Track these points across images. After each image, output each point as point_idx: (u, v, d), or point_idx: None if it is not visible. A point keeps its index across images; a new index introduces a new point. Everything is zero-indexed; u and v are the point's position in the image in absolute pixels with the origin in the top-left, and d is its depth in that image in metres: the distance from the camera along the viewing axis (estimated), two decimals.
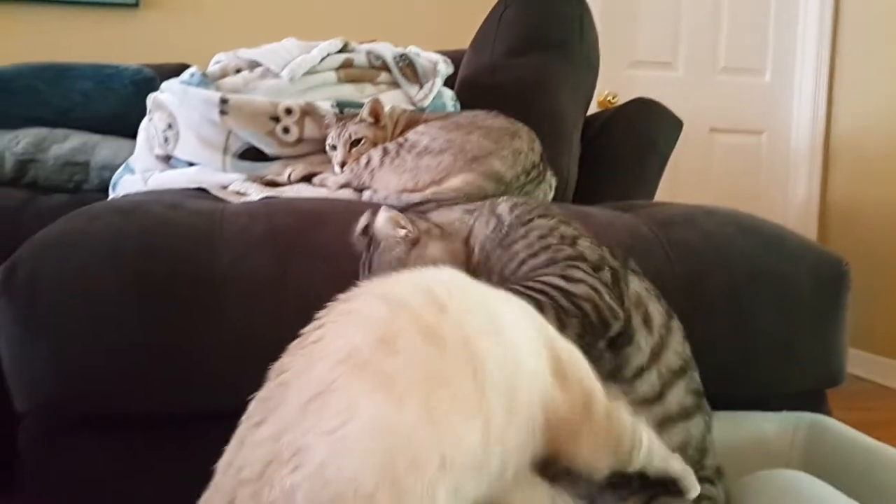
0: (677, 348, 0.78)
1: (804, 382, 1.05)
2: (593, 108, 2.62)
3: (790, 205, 3.18)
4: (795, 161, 3.17)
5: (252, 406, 0.53)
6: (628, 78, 3.03)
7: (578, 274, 0.73)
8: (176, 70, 2.14)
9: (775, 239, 1.07)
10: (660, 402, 0.74)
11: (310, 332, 0.55)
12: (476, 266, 0.78)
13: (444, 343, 0.52)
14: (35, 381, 0.86)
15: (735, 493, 0.82)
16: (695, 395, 0.78)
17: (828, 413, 1.07)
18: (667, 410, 0.74)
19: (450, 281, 0.60)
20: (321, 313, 0.56)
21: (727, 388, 1.00)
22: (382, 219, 0.80)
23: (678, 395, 0.76)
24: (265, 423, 0.51)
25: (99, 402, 0.87)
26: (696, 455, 0.76)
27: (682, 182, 3.04)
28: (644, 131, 1.69)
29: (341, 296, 0.57)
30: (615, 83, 2.96)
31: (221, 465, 0.51)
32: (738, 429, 0.97)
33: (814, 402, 1.07)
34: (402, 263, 0.77)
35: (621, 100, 2.75)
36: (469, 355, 0.53)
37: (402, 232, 0.79)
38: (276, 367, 0.54)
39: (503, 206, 0.83)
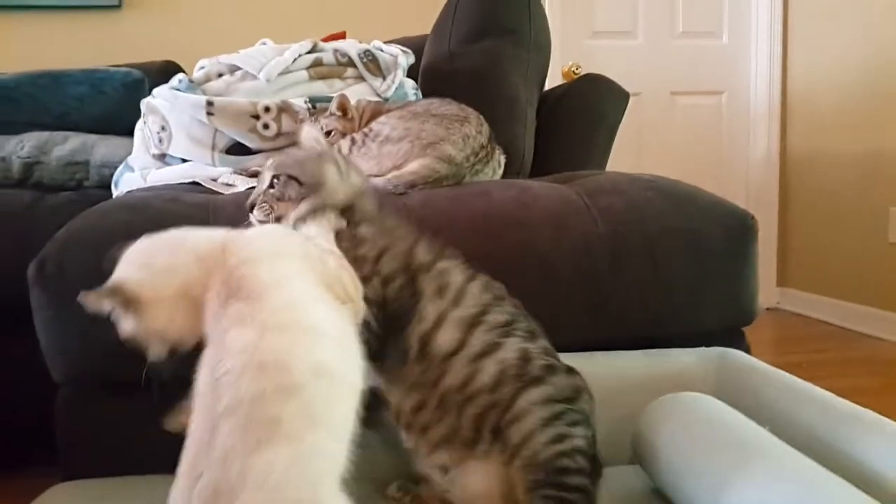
0: (473, 299, 0.88)
1: (719, 322, 1.21)
2: (559, 80, 2.79)
3: (751, 161, 3.34)
4: (755, 119, 3.33)
5: None
6: (590, 48, 3.17)
7: None
8: (160, 68, 2.30)
9: (688, 199, 1.23)
10: (464, 349, 0.85)
11: None
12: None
13: None
14: (67, 356, 1.04)
15: (646, 416, 0.97)
16: (500, 328, 0.87)
17: (746, 349, 1.23)
18: (473, 351, 0.84)
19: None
20: None
21: (649, 330, 1.17)
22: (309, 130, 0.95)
23: (480, 336, 0.85)
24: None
25: (121, 372, 1.04)
26: (517, 369, 0.84)
27: (646, 144, 3.20)
28: (593, 105, 1.84)
29: None
30: (578, 54, 3.10)
31: None
32: (659, 364, 1.12)
33: (731, 338, 1.23)
34: (300, 162, 0.91)
35: (584, 69, 2.91)
36: None
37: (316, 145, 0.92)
38: None
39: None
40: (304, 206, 0.89)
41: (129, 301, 0.70)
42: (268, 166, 0.95)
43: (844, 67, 2.94)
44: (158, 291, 0.71)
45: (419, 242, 0.92)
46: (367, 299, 0.81)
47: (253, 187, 1.26)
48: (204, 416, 0.59)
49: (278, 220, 0.90)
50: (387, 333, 0.85)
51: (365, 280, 0.82)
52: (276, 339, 0.61)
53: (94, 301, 0.70)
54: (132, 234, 1.03)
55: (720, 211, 1.23)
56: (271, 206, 0.90)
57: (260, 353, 0.59)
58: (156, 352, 0.73)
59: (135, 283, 0.71)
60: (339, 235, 0.86)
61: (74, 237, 1.05)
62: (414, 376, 0.86)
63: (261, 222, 0.91)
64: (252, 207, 0.92)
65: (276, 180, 0.91)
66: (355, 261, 0.83)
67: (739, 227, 1.21)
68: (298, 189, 0.90)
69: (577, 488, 0.80)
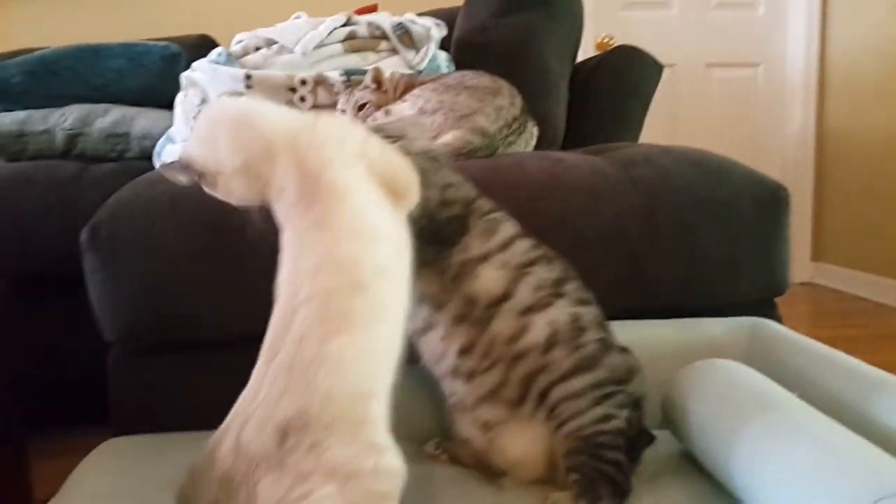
0: (520, 249, 0.91)
1: (750, 293, 1.22)
2: (592, 52, 2.77)
3: (787, 134, 3.30)
4: (791, 91, 3.27)
5: None
6: (624, 19, 3.13)
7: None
8: (195, 41, 2.33)
9: (721, 170, 1.24)
10: (510, 299, 0.87)
11: None
12: None
13: None
14: (118, 316, 1.09)
15: (677, 382, 0.99)
16: (549, 286, 0.89)
17: (778, 319, 1.24)
18: (521, 304, 0.87)
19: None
20: None
21: (681, 300, 1.19)
22: None
23: (528, 291, 0.88)
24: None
25: (169, 330, 1.10)
26: (570, 334, 0.87)
27: (681, 117, 3.17)
28: (626, 77, 1.83)
29: None
30: (612, 25, 3.07)
31: None
32: (691, 332, 1.14)
33: (763, 309, 1.23)
34: None
35: (618, 40, 2.89)
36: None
37: None
38: None
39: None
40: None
41: (199, 174, 0.79)
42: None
43: (884, 40, 2.87)
44: (221, 167, 0.78)
45: (482, 195, 0.96)
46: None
47: None
48: (284, 305, 0.68)
49: None
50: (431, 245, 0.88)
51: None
52: (349, 243, 0.70)
53: (172, 174, 0.81)
54: (178, 202, 1.09)
55: (752, 182, 1.23)
56: None
57: (336, 254, 0.69)
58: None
59: (201, 158, 0.79)
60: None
61: (125, 204, 1.10)
62: (456, 305, 0.88)
63: None
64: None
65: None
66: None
67: (771, 198, 1.21)
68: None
69: (612, 462, 0.85)
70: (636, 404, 0.90)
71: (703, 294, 1.20)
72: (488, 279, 0.88)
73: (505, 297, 0.87)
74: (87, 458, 1.02)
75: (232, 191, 0.79)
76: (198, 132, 0.81)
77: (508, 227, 0.93)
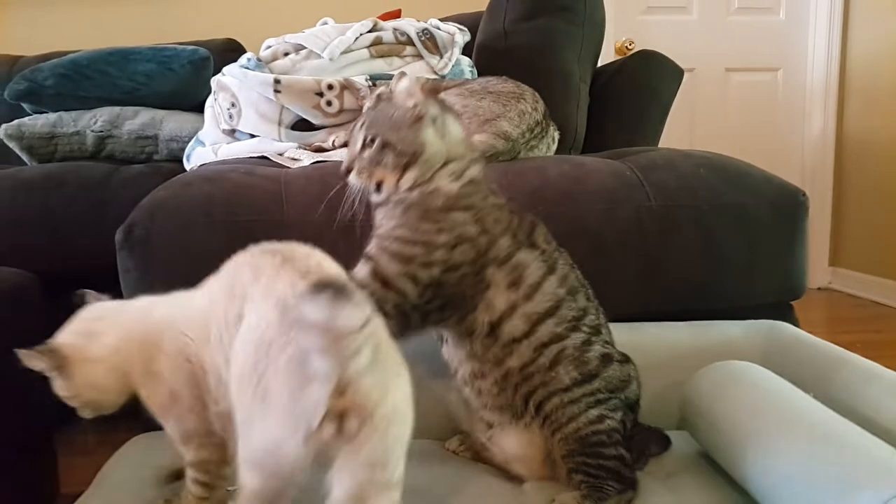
0: (547, 295, 0.89)
1: (768, 296, 1.24)
2: (612, 56, 2.78)
3: (806, 139, 3.28)
4: (811, 96, 3.26)
5: None
6: (644, 23, 3.13)
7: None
8: (222, 45, 2.37)
9: (740, 175, 1.25)
10: (530, 336, 0.88)
11: None
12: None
13: None
14: None
15: (694, 383, 1.01)
16: (568, 322, 0.89)
17: (795, 322, 1.25)
18: (539, 340, 0.88)
19: None
20: None
21: (699, 303, 1.21)
22: (404, 83, 0.89)
23: (549, 328, 0.88)
24: None
25: None
26: (576, 352, 0.89)
27: (700, 121, 3.17)
28: (646, 83, 1.85)
29: None
30: (632, 30, 3.07)
31: None
32: (709, 334, 1.16)
33: (780, 312, 1.25)
34: (396, 126, 0.87)
35: (638, 45, 2.90)
36: None
37: (412, 102, 0.88)
38: None
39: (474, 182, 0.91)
40: (409, 176, 0.87)
41: (60, 363, 0.75)
42: (359, 125, 0.91)
43: None
44: (89, 355, 0.75)
45: (505, 233, 0.90)
46: (415, 279, 0.85)
47: (317, 161, 1.33)
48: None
49: (378, 185, 0.89)
50: (444, 313, 0.89)
51: (427, 265, 0.85)
52: None
53: (27, 358, 0.74)
54: (212, 203, 1.12)
55: (771, 187, 1.25)
56: (370, 172, 0.88)
57: None
58: (83, 413, 0.79)
59: (69, 347, 0.76)
60: (427, 215, 0.87)
61: (160, 205, 1.13)
62: (477, 350, 0.90)
63: (359, 188, 0.89)
64: (348, 171, 0.90)
65: (369, 141, 0.88)
66: (428, 245, 0.86)
67: (790, 203, 1.23)
68: (395, 158, 0.87)
69: (613, 457, 0.87)
70: (630, 408, 0.93)
71: (720, 297, 1.22)
72: (514, 328, 0.88)
73: (525, 336, 0.89)
74: (117, 454, 1.04)
75: (87, 378, 0.76)
76: (74, 326, 0.78)
77: (535, 270, 0.90)
